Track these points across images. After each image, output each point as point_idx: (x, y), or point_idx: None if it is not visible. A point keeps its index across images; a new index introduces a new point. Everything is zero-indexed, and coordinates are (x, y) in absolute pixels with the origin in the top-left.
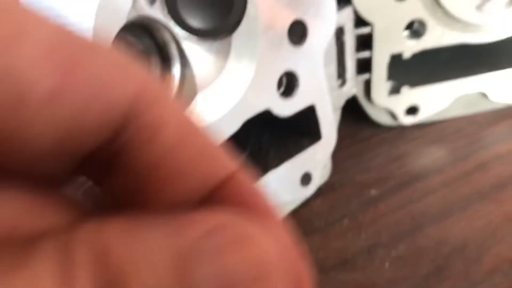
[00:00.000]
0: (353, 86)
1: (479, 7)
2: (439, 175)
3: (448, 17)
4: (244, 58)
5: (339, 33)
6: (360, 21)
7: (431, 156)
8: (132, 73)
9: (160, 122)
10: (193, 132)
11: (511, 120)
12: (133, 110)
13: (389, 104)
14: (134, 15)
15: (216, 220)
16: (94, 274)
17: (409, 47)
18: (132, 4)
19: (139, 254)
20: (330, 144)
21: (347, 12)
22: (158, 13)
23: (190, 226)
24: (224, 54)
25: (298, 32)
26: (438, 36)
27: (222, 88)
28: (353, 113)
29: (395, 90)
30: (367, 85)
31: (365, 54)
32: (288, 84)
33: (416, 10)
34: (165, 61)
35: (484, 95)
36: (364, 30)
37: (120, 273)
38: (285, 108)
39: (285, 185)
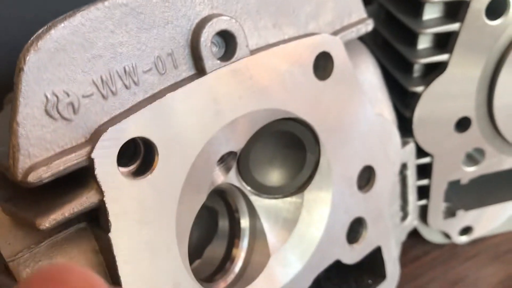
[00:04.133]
0: (414, 219)
1: None
2: None
3: (507, 145)
4: (316, 212)
5: (402, 168)
6: (419, 150)
7: (490, 281)
8: None
9: None
10: None
11: None
12: None
13: (444, 226)
14: (211, 188)
15: None
16: None
17: (467, 174)
18: (211, 182)
19: None
20: (394, 281)
21: (410, 148)
22: (232, 179)
23: None
24: (296, 209)
25: (366, 178)
26: (496, 163)
27: (295, 247)
28: None
29: (450, 214)
30: (421, 208)
31: (423, 182)
32: (356, 230)
33: (476, 140)
34: (234, 218)
35: None
36: (424, 160)
37: None
38: (353, 255)
39: None
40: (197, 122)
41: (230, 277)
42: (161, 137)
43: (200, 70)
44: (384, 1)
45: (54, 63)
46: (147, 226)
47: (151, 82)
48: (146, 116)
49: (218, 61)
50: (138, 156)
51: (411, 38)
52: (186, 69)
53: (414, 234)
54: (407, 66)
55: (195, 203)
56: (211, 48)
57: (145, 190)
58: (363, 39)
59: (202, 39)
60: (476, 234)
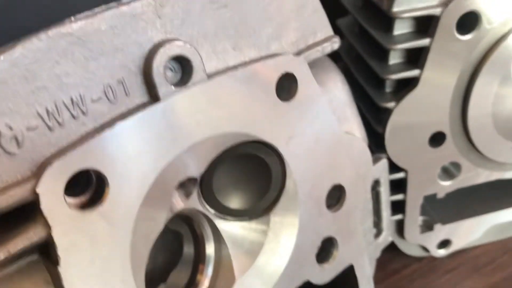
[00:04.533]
0: (388, 235)
1: None
2: None
3: (483, 159)
4: (283, 234)
5: (375, 184)
6: (392, 165)
7: None
8: None
9: None
10: None
11: None
12: None
13: (422, 240)
14: (171, 215)
15: None
16: None
17: (443, 188)
18: (168, 210)
19: None
20: None
21: (383, 164)
22: (194, 204)
23: None
24: (262, 231)
25: (335, 196)
26: (472, 176)
27: (261, 270)
28: None
29: (428, 228)
30: (399, 223)
31: (398, 197)
32: (327, 250)
33: (451, 155)
34: (200, 243)
35: None
36: (398, 175)
37: None
38: (324, 275)
39: None
40: (151, 150)
41: None
42: (111, 167)
43: (153, 97)
44: (357, 14)
45: None
46: (99, 258)
47: (100, 111)
48: (94, 147)
49: (173, 87)
50: (91, 185)
51: (383, 53)
52: (139, 96)
53: (392, 247)
54: (379, 82)
55: (152, 233)
56: (166, 73)
57: (96, 222)
58: (337, 52)
59: (155, 65)
60: (454, 247)
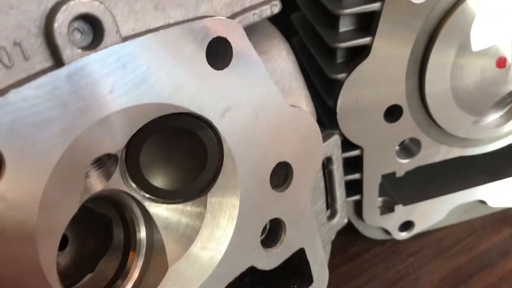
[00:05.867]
0: (344, 217)
1: (475, 123)
2: None
3: (444, 134)
4: (222, 216)
5: (327, 162)
6: (347, 143)
7: (431, 279)
8: None
9: None
10: None
11: (509, 228)
12: None
13: (382, 222)
14: (87, 196)
15: None
16: None
17: (403, 166)
18: (83, 191)
19: None
20: (322, 285)
21: (334, 141)
22: (118, 184)
23: None
24: (199, 214)
25: (282, 175)
26: (433, 153)
27: (197, 256)
28: None
29: (388, 209)
30: (357, 204)
31: (354, 176)
32: (274, 233)
33: (409, 130)
34: (129, 229)
35: (481, 201)
36: (353, 153)
37: None
38: (270, 260)
39: None
40: (55, 122)
41: None
42: (7, 141)
43: (58, 61)
44: None
45: None
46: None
47: None
48: None
49: (79, 50)
50: None
51: (333, 20)
52: (41, 60)
53: (353, 230)
54: (330, 51)
55: (63, 216)
56: (71, 35)
57: None
58: (292, 25)
59: (56, 25)
60: (417, 229)
